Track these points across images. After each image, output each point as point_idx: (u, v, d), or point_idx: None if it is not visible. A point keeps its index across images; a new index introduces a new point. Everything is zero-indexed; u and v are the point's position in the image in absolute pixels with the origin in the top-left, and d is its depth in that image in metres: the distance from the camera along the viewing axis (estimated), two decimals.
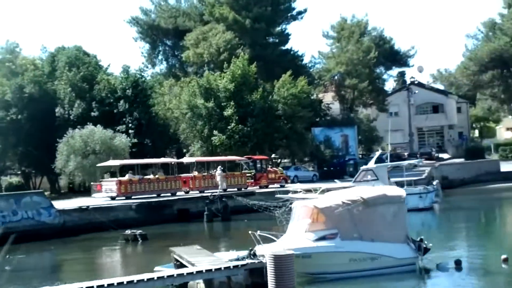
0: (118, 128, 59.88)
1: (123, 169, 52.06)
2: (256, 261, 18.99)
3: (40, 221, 40.51)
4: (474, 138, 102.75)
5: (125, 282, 16.95)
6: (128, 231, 36.88)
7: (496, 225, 41.83)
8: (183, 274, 17.78)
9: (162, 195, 49.66)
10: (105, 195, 48.46)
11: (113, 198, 47.84)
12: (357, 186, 44.61)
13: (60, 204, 43.67)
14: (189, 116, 62.82)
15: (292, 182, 60.38)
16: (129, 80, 65.27)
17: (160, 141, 65.41)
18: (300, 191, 47.18)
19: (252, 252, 20.11)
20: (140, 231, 36.71)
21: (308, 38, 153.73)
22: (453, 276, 22.35)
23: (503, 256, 23.53)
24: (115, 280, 17.22)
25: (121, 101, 63.54)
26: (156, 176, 50.92)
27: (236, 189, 53.14)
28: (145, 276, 17.67)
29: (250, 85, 63.60)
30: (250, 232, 21.98)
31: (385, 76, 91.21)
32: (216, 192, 48.62)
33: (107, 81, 66.23)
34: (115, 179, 49.23)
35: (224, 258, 21.35)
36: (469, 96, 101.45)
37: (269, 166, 59.69)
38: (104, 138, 54.76)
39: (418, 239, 22.86)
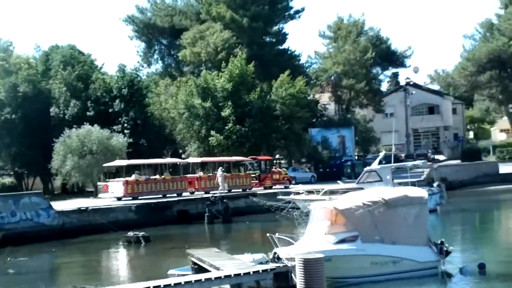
0: (114, 128, 59.10)
1: (120, 170, 51.47)
2: (281, 264, 18.24)
3: (38, 222, 39.65)
4: (469, 140, 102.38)
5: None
6: (130, 233, 36.11)
7: (509, 227, 41.27)
8: (211, 278, 17.01)
9: (168, 195, 49.12)
10: (111, 195, 47.88)
11: (119, 199, 47.28)
12: (362, 187, 44.30)
13: (58, 205, 42.73)
14: (186, 116, 62.07)
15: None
16: (125, 79, 64.50)
17: (156, 141, 64.66)
18: (302, 193, 46.57)
19: (276, 255, 19.31)
20: (142, 233, 35.92)
21: (304, 38, 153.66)
22: (477, 281, 21.66)
23: None
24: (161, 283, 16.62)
25: (117, 101, 62.77)
26: (162, 176, 50.38)
27: (241, 190, 52.77)
28: (172, 281, 16.99)
29: (248, 84, 62.92)
30: (268, 234, 21.27)
31: (381, 77, 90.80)
32: (217, 193, 47.87)
33: (102, 80, 65.42)
34: (122, 179, 48.55)
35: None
36: (465, 97, 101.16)
37: (273, 167, 59.10)
38: (101, 138, 53.88)
39: (439, 241, 22.18)
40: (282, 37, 76.47)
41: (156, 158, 56.53)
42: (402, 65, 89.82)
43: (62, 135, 54.86)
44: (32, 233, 38.27)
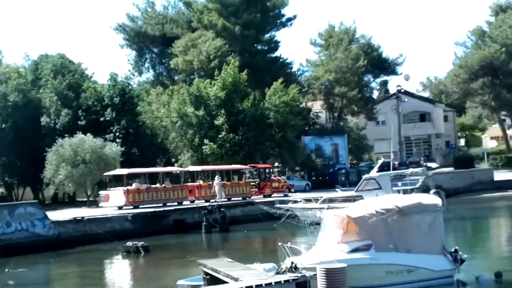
0: (106, 137, 58.52)
1: (113, 179, 51.04)
2: (299, 274, 17.71)
3: (34, 232, 39.15)
4: (460, 147, 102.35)
5: None
6: (129, 243, 35.58)
7: None
8: None
9: (168, 204, 48.78)
10: (113, 204, 47.50)
11: (120, 208, 46.88)
12: (361, 195, 43.87)
13: (51, 215, 42.03)
14: (179, 125, 61.50)
15: None
16: (116, 88, 63.92)
17: (148, 150, 64.03)
18: (300, 201, 46.16)
19: (293, 265, 18.74)
20: (142, 242, 35.41)
21: (295, 46, 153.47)
22: None
23: None
24: None
25: (108, 110, 62.24)
26: (163, 185, 50.05)
27: (240, 198, 52.54)
28: None
29: (241, 93, 62.43)
30: (280, 244, 20.73)
31: (373, 84, 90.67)
32: (214, 202, 47.35)
33: (93, 89, 64.86)
34: (123, 188, 48.11)
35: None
36: (455, 104, 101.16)
37: (273, 175, 58.67)
38: (95, 147, 53.26)
39: (453, 249, 21.71)
40: (274, 45, 76.07)
41: (149, 167, 55.89)
42: (393, 72, 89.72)
43: (55, 144, 54.17)
44: (27, 243, 37.86)
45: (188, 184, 52.16)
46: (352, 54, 77.65)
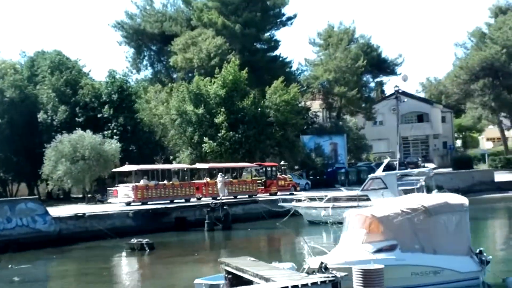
0: (104, 133, 57.96)
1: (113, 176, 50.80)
2: (330, 275, 17.07)
3: (35, 228, 38.50)
4: (456, 148, 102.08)
5: None
6: (134, 240, 34.98)
7: None
8: None
9: (175, 201, 48.39)
10: (121, 200, 47.17)
11: (128, 204, 46.46)
12: (367, 194, 43.45)
13: (51, 211, 41.37)
14: (178, 123, 60.97)
15: None
16: (115, 85, 63.27)
17: (146, 148, 63.39)
18: (304, 200, 45.69)
19: (323, 265, 18.09)
20: (146, 240, 34.77)
21: (293, 45, 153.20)
22: None
23: None
24: None
25: (106, 107, 61.58)
26: (171, 182, 49.73)
27: (247, 196, 52.17)
28: None
29: (241, 91, 61.93)
30: (301, 243, 20.13)
31: (372, 84, 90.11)
32: (219, 200, 46.84)
33: (91, 86, 64.21)
34: (131, 184, 47.81)
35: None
36: (452, 105, 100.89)
37: (279, 173, 58.16)
38: (94, 143, 52.58)
39: (478, 250, 21.13)
40: (274, 43, 75.52)
41: (147, 164, 55.28)
42: (392, 73, 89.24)
43: (53, 140, 53.55)
44: (28, 239, 37.25)
45: (196, 181, 51.83)
46: (352, 54, 77.19)
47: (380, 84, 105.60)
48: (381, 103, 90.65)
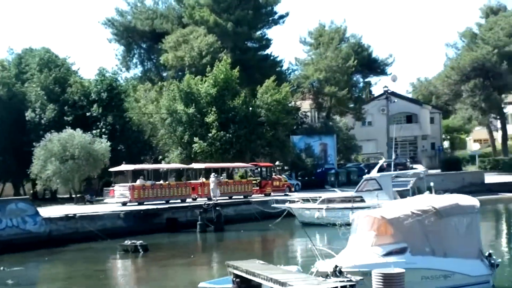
0: (92, 132, 57.23)
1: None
2: (346, 279, 16.63)
3: (25, 229, 37.84)
4: (444, 149, 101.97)
5: None
6: (127, 242, 34.46)
7: None
8: None
9: (171, 201, 48.04)
10: (118, 200, 46.77)
11: (124, 204, 46.04)
12: (361, 195, 43.08)
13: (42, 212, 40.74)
14: (169, 122, 60.36)
15: None
16: (104, 83, 62.58)
17: (135, 147, 62.76)
18: (298, 201, 45.28)
19: (337, 269, 17.63)
20: (140, 241, 34.28)
21: (283, 44, 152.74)
22: None
23: None
24: None
25: (95, 105, 60.88)
26: (167, 182, 49.61)
27: (242, 197, 51.85)
28: None
29: (232, 90, 61.35)
30: (310, 246, 19.65)
31: (362, 84, 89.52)
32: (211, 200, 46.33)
33: (80, 84, 63.49)
34: (128, 184, 47.34)
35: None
36: (441, 106, 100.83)
37: (274, 174, 57.73)
38: (84, 142, 51.95)
39: (487, 253, 20.75)
40: (265, 42, 74.92)
41: (135, 164, 54.70)
42: (383, 73, 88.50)
43: (43, 139, 52.82)
44: (18, 240, 36.54)
45: (192, 181, 51.47)
46: (343, 54, 76.62)
47: (368, 84, 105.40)
48: (370, 104, 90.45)
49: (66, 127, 54.34)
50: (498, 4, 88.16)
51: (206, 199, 48.62)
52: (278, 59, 76.26)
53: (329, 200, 43.53)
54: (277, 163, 59.76)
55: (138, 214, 43.73)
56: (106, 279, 27.74)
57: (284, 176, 60.27)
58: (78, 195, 53.92)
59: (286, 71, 78.42)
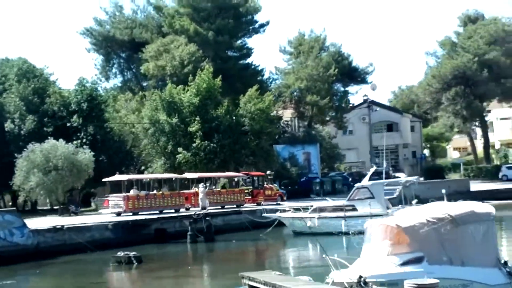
0: (74, 143, 56.13)
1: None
2: None
3: (12, 242, 36.84)
4: (426, 158, 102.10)
5: None
6: (120, 253, 33.52)
7: None
8: None
9: (165, 211, 47.45)
10: (112, 210, 46.31)
11: (118, 214, 45.51)
12: (353, 204, 42.55)
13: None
14: (151, 132, 59.54)
15: None
16: (84, 93, 61.54)
17: (116, 157, 61.77)
18: (288, 210, 44.67)
19: (362, 279, 16.93)
20: (134, 252, 33.33)
21: (264, 53, 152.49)
22: None
23: None
24: None
25: (75, 116, 59.86)
26: (161, 191, 49.10)
27: (234, 206, 51.35)
28: None
29: (215, 99, 60.73)
30: (324, 256, 18.93)
31: (342, 93, 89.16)
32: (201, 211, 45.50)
33: (59, 94, 62.45)
34: (122, 194, 46.73)
35: None
36: (420, 114, 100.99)
37: (265, 183, 57.07)
38: (67, 153, 50.98)
39: (503, 261, 20.16)
40: (246, 51, 74.44)
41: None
42: (363, 81, 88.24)
43: (25, 149, 51.72)
44: (6, 253, 35.57)
45: (185, 191, 50.90)
46: (323, 62, 76.32)
47: (346, 93, 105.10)
48: (351, 113, 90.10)
49: (48, 138, 53.31)
50: (475, 12, 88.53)
51: (199, 209, 47.86)
52: (259, 68, 75.92)
53: (321, 209, 42.91)
54: (268, 172, 59.02)
55: (127, 225, 42.82)
56: None
57: (276, 185, 59.55)
58: (62, 206, 52.81)
59: (267, 80, 78.02)
